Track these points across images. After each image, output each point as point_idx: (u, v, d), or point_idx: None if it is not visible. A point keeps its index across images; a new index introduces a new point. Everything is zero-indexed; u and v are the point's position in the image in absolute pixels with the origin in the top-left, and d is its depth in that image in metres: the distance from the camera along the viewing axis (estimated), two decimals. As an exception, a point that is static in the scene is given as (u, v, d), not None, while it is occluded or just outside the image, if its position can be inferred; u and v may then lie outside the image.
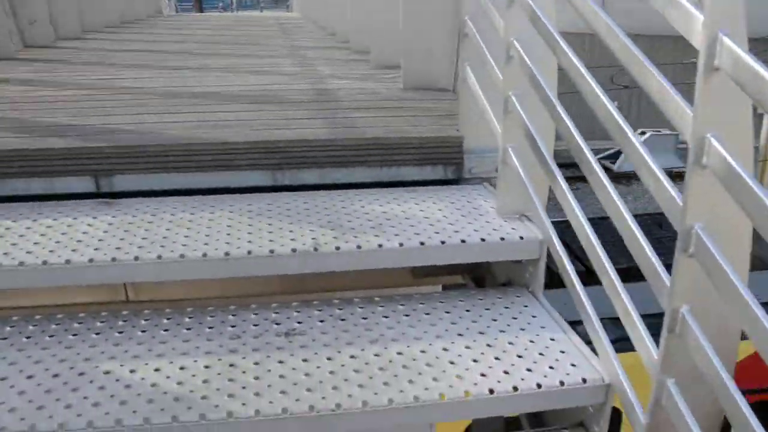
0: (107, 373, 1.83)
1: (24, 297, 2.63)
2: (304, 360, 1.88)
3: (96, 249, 2.13)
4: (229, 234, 2.23)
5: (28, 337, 2.01)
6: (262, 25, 9.88)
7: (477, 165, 2.81)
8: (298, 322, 2.07)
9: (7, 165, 2.63)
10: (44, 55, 5.69)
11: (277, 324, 2.06)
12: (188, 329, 2.04)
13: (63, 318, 2.10)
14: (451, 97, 3.64)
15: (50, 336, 2.01)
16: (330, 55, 5.70)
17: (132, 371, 1.83)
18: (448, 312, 2.15)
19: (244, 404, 1.70)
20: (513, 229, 2.31)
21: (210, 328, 2.04)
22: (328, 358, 1.89)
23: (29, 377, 1.81)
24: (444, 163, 2.79)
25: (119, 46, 6.74)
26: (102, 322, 2.08)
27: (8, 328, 2.06)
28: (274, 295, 2.49)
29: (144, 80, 4.47)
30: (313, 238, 2.20)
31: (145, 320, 2.09)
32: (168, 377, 1.80)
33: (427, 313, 2.14)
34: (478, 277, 2.69)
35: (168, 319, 2.10)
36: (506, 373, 1.83)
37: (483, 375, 1.82)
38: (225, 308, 2.15)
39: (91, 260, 2.07)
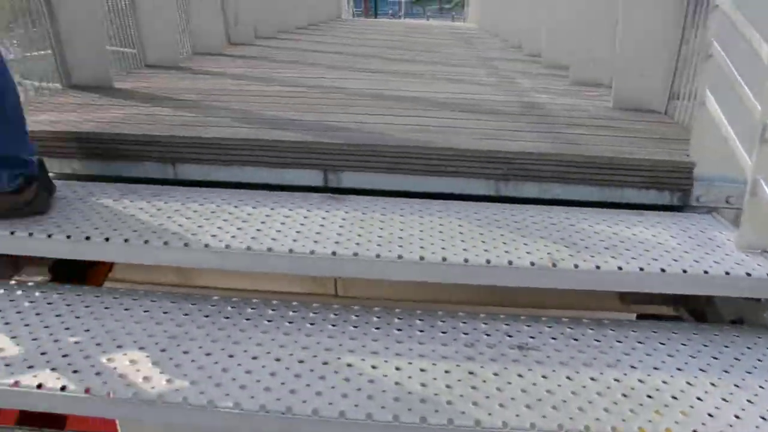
0: (349, 365, 1.87)
1: (225, 279, 2.76)
2: (543, 376, 1.85)
3: (336, 243, 2.20)
4: (463, 240, 2.24)
5: (269, 321, 2.09)
6: (431, 34, 10.01)
7: (704, 193, 2.67)
8: (531, 337, 2.04)
9: (240, 153, 2.78)
10: (246, 52, 6.01)
11: (509, 336, 2.04)
12: (421, 332, 2.05)
13: (298, 306, 2.18)
14: (662, 119, 3.52)
15: (289, 322, 2.08)
16: (521, 67, 5.66)
17: (373, 367, 1.86)
18: (684, 344, 2.05)
19: (489, 414, 1.68)
20: (759, 265, 2.18)
21: (443, 333, 2.05)
22: (568, 378, 1.84)
23: (277, 360, 1.88)
24: (671, 189, 2.68)
25: (309, 46, 7.04)
26: (335, 314, 2.14)
27: (249, 310, 2.15)
28: (462, 305, 2.47)
29: (345, 81, 4.63)
30: (548, 253, 2.17)
31: (377, 318, 2.12)
32: (410, 377, 1.82)
33: (662, 343, 2.05)
34: (693, 310, 2.56)
35: (399, 319, 2.12)
36: (764, 419, 1.72)
37: (737, 417, 1.71)
38: (455, 314, 2.15)
39: (334, 253, 2.14)
